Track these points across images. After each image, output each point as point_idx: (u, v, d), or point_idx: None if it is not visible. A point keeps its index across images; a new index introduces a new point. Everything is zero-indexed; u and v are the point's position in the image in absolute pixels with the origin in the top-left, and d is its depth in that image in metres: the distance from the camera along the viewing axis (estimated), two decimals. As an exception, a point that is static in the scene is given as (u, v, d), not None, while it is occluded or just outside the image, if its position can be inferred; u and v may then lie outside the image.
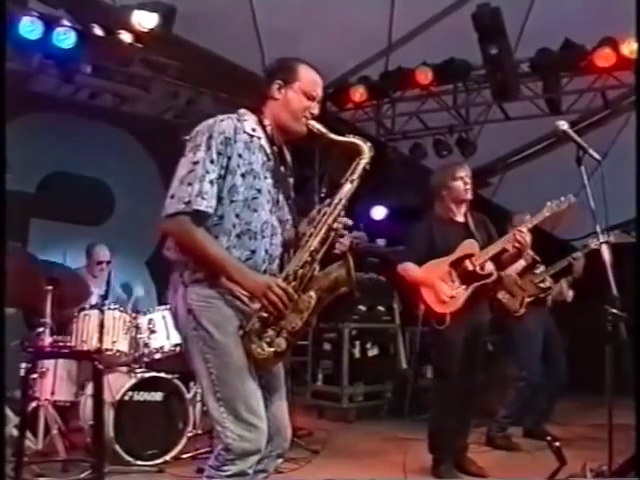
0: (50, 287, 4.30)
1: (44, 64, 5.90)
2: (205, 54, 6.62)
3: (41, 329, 4.34)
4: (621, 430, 3.01)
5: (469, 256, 4.24)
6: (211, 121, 2.41)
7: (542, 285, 5.43)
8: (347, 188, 2.41)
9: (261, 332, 2.29)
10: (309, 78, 2.52)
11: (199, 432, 4.80)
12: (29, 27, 5.35)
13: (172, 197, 2.30)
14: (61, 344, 4.56)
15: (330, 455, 4.93)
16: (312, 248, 2.34)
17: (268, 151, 2.45)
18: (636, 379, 2.94)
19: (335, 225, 2.37)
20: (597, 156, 3.09)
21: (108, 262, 5.66)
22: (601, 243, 3.16)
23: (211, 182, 2.30)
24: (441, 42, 6.54)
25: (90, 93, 6.71)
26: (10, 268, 3.09)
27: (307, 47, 6.35)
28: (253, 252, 2.37)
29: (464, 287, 4.21)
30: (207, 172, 2.30)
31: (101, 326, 4.49)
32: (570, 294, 5.70)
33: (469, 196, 4.37)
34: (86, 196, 6.93)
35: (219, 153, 2.33)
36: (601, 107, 6.94)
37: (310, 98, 2.50)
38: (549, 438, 4.07)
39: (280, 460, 2.53)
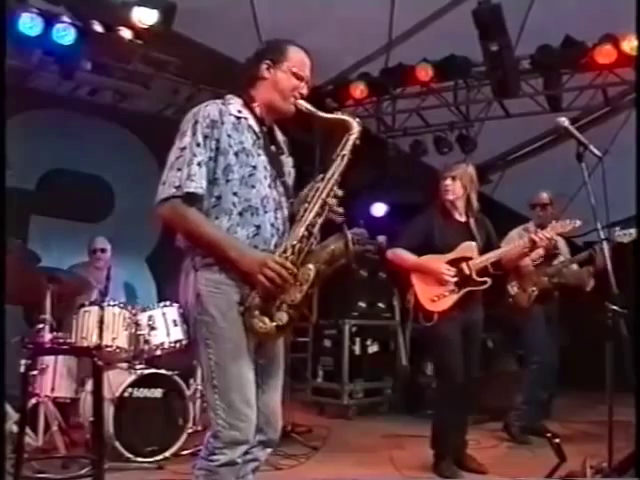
0: (50, 284, 4.30)
1: (44, 61, 5.89)
2: (205, 51, 6.61)
3: (41, 325, 4.34)
4: (621, 427, 3.02)
5: (467, 259, 4.24)
6: (196, 108, 2.44)
7: (554, 280, 5.36)
8: (338, 163, 2.44)
9: (262, 307, 2.29)
10: (298, 58, 2.55)
11: (199, 429, 4.80)
12: (29, 23, 5.34)
13: (163, 184, 2.33)
14: (61, 340, 4.56)
15: (330, 452, 4.93)
16: (308, 222, 2.36)
17: (257, 130, 2.46)
18: (636, 376, 2.94)
19: (329, 200, 2.39)
20: (598, 152, 3.09)
21: (103, 250, 5.66)
22: (601, 240, 3.16)
23: (199, 164, 2.31)
24: (442, 39, 6.53)
25: (90, 90, 6.71)
26: (10, 265, 3.09)
27: (307, 43, 6.30)
28: (258, 227, 2.39)
29: (456, 289, 4.20)
30: (194, 155, 2.32)
31: (101, 322, 4.47)
32: (591, 283, 5.57)
33: (448, 197, 4.33)
34: (86, 193, 6.92)
35: (206, 136, 2.35)
36: (602, 104, 6.93)
37: (299, 78, 2.52)
38: (549, 435, 4.08)
39: (269, 450, 2.53)
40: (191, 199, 2.30)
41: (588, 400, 5.84)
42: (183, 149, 2.34)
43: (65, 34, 5.51)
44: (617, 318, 2.92)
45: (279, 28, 6.26)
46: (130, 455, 4.31)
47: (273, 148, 2.53)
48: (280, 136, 2.64)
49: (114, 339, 4.58)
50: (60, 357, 4.60)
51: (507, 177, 8.88)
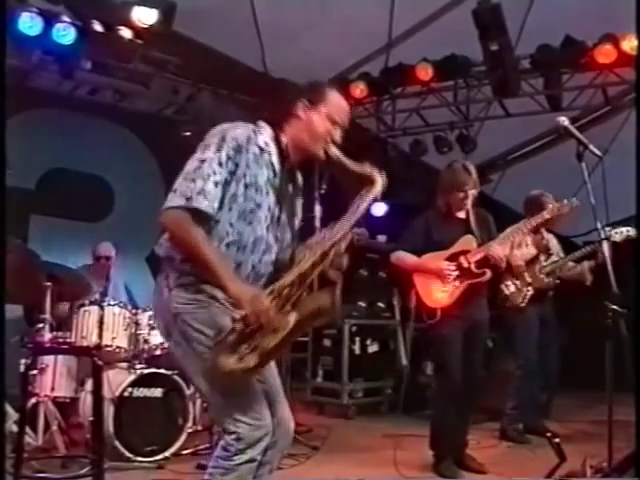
0: (50, 283, 4.30)
1: (44, 60, 5.89)
2: (205, 50, 6.61)
3: (41, 325, 4.34)
4: (621, 426, 3.01)
5: (465, 252, 4.25)
6: (226, 125, 2.40)
7: (551, 278, 5.37)
8: (353, 217, 2.39)
9: (234, 346, 2.22)
10: (336, 103, 2.50)
11: (199, 428, 4.80)
12: (29, 23, 5.34)
13: (175, 191, 2.30)
14: (61, 340, 4.56)
15: (330, 451, 4.93)
16: (302, 271, 2.30)
17: (277, 168, 2.43)
18: (636, 376, 2.94)
19: (331, 253, 2.33)
20: (598, 152, 3.09)
21: (107, 257, 5.66)
22: (601, 240, 3.16)
23: (215, 183, 2.28)
24: (442, 38, 6.53)
25: (90, 89, 6.70)
26: (10, 264, 3.09)
27: (307, 43, 6.37)
28: (238, 265, 2.36)
29: (457, 283, 4.21)
30: (213, 172, 2.28)
31: (101, 322, 4.49)
32: (590, 278, 5.58)
33: (467, 207, 4.32)
34: (86, 192, 6.93)
35: (228, 157, 2.31)
36: (602, 104, 6.93)
37: (333, 123, 2.47)
38: (549, 434, 4.08)
39: (282, 453, 2.53)
40: (199, 215, 2.26)
41: (588, 400, 5.84)
42: (203, 161, 2.30)
43: (65, 34, 5.50)
44: (617, 318, 2.92)
45: (279, 28, 6.29)
46: (130, 455, 4.31)
47: (290, 188, 2.50)
48: (300, 178, 2.61)
49: (114, 339, 4.59)
50: (60, 357, 4.60)
51: (507, 177, 8.88)
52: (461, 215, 4.38)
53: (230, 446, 2.29)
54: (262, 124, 2.49)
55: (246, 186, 2.35)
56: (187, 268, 2.32)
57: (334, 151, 2.46)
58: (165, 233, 2.38)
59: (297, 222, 2.60)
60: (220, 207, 2.32)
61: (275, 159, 2.44)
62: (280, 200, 2.45)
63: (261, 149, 2.40)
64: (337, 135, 2.49)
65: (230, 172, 2.32)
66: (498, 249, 4.20)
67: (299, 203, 2.63)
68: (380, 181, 2.42)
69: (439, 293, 4.24)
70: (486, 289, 4.39)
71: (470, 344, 4.26)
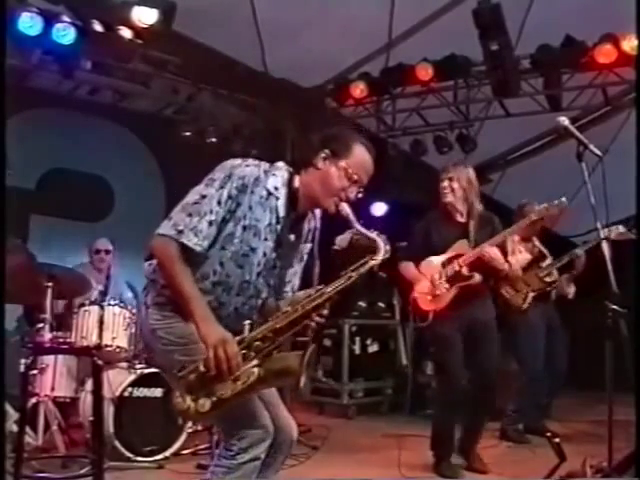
0: (50, 283, 4.30)
1: (44, 60, 5.88)
2: (205, 50, 6.60)
3: (41, 325, 4.34)
4: (621, 426, 3.01)
5: (459, 256, 4.28)
6: (237, 161, 2.36)
7: (547, 279, 5.41)
8: (342, 282, 2.29)
9: (192, 387, 2.21)
10: (359, 160, 2.39)
11: (199, 428, 4.80)
12: (28, 23, 5.33)
13: (169, 219, 2.29)
14: (61, 340, 4.56)
15: (330, 451, 4.93)
16: (278, 326, 2.25)
17: (281, 214, 2.36)
18: (636, 375, 2.93)
19: (313, 315, 2.27)
20: (598, 152, 3.08)
21: (107, 251, 5.65)
22: (601, 239, 3.16)
23: (210, 222, 2.26)
24: (442, 38, 6.52)
25: (90, 89, 6.69)
26: (10, 264, 3.09)
27: (307, 43, 6.36)
28: (221, 304, 2.34)
29: (448, 286, 4.25)
30: (210, 211, 2.26)
31: (101, 322, 4.49)
32: (571, 290, 5.69)
33: (446, 199, 4.35)
34: (86, 192, 6.93)
35: (230, 197, 2.28)
36: (602, 103, 6.92)
37: (351, 180, 2.37)
38: (549, 434, 4.08)
39: (283, 456, 2.51)
40: (186, 250, 2.25)
41: (588, 400, 5.85)
42: (203, 197, 2.28)
43: (65, 33, 5.49)
44: (617, 318, 2.92)
45: (279, 28, 6.29)
46: (130, 454, 4.32)
47: (292, 237, 2.44)
48: (312, 223, 2.54)
49: (114, 339, 4.58)
50: (60, 356, 4.60)
51: (507, 177, 8.87)
52: (462, 220, 4.39)
53: (233, 445, 2.29)
54: (279, 165, 2.43)
55: (244, 228, 2.32)
56: (167, 293, 2.33)
57: (346, 210, 2.37)
58: (153, 257, 2.37)
59: (298, 267, 2.53)
60: (213, 244, 2.30)
61: (281, 205, 2.36)
62: (278, 247, 2.39)
63: (269, 192, 2.34)
64: (352, 194, 2.39)
65: (230, 211, 2.29)
66: (491, 249, 4.21)
67: (305, 248, 2.55)
68: (383, 251, 2.33)
69: (430, 297, 4.30)
70: (488, 290, 4.39)
71: (471, 344, 4.28)
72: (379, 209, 8.67)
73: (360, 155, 2.39)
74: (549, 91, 6.80)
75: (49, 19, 5.45)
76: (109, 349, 4.56)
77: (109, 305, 4.63)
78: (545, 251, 5.52)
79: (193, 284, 2.26)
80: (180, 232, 2.24)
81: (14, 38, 5.24)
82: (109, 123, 7.12)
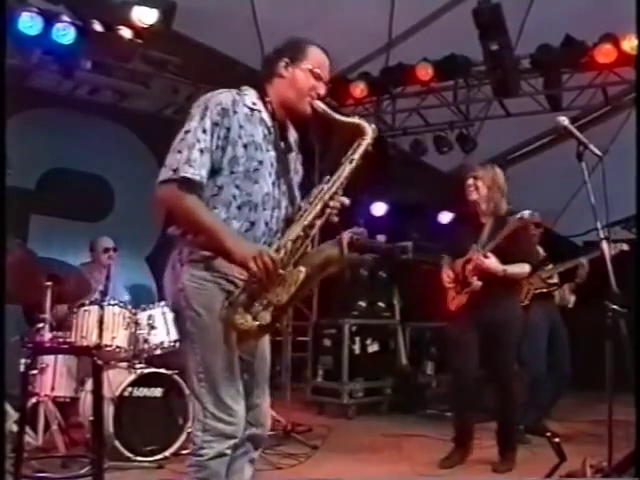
0: (50, 283, 4.30)
1: (44, 60, 5.89)
2: (205, 50, 6.61)
3: (41, 325, 4.33)
4: (621, 426, 3.01)
5: (469, 261, 4.35)
6: (209, 94, 2.40)
7: (549, 281, 5.43)
8: (347, 167, 2.39)
9: (247, 304, 2.23)
10: (318, 58, 2.50)
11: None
12: (28, 23, 5.33)
13: (164, 166, 2.30)
14: (61, 340, 4.56)
15: (330, 451, 4.92)
16: (306, 223, 2.31)
17: (269, 124, 2.43)
18: (636, 375, 2.93)
19: (331, 203, 2.34)
20: (598, 152, 3.08)
21: (115, 249, 5.64)
22: (601, 239, 3.15)
23: (201, 150, 2.27)
24: (442, 38, 6.53)
25: (90, 89, 6.69)
26: (10, 264, 3.09)
27: (307, 43, 6.35)
28: (252, 224, 2.36)
29: (459, 290, 4.39)
30: (197, 141, 2.28)
31: (100, 322, 4.48)
32: (572, 299, 5.69)
33: (471, 197, 4.48)
34: (86, 192, 6.92)
35: (215, 123, 2.31)
36: (602, 103, 6.93)
37: (317, 78, 2.47)
38: (549, 434, 4.08)
39: (259, 451, 2.53)
40: (188, 184, 2.25)
41: (588, 400, 5.85)
42: (187, 132, 2.30)
43: (65, 33, 5.50)
44: (617, 318, 2.92)
45: (279, 27, 6.25)
46: (130, 454, 4.31)
47: (282, 145, 2.49)
48: (293, 133, 2.61)
49: (114, 338, 4.58)
50: (60, 356, 4.60)
51: (507, 176, 8.83)
52: (483, 219, 4.48)
53: (196, 437, 2.30)
54: (244, 87, 2.50)
55: (245, 146, 2.35)
56: (199, 241, 2.32)
57: (320, 105, 2.46)
58: (167, 217, 2.37)
59: (297, 178, 2.59)
60: (219, 172, 2.32)
61: (265, 116, 2.43)
62: (279, 156, 2.45)
63: (250, 109, 2.40)
64: (322, 89, 2.49)
65: (222, 137, 2.31)
66: (477, 255, 4.27)
67: (298, 158, 2.62)
68: (370, 130, 2.43)
69: (450, 299, 4.50)
70: (506, 291, 4.39)
71: (488, 344, 4.36)
72: (379, 209, 8.68)
73: (317, 54, 2.50)
74: (549, 91, 6.80)
75: (49, 19, 5.45)
76: (109, 349, 4.56)
77: (109, 305, 4.63)
78: (546, 256, 5.51)
79: (211, 214, 2.29)
80: (176, 170, 2.25)
81: (14, 38, 5.25)
82: (109, 123, 7.12)
